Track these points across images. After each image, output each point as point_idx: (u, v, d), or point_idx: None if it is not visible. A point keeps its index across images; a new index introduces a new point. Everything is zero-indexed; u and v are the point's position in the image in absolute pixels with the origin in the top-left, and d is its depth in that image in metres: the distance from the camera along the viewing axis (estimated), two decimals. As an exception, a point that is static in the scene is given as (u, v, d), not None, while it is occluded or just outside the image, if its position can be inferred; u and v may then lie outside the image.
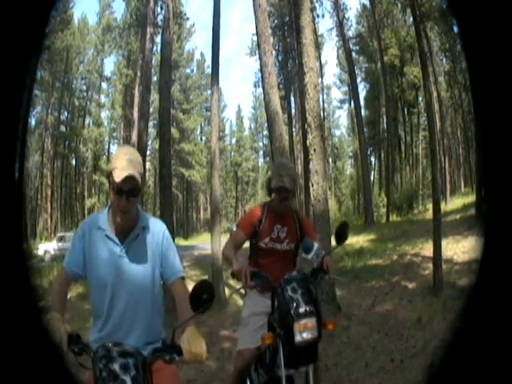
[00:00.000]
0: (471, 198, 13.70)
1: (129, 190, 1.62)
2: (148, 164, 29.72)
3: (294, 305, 1.98)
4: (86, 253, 1.72)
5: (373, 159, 33.95)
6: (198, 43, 79.79)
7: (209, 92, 32.47)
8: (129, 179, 1.59)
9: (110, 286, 1.69)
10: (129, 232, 1.73)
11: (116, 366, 1.18)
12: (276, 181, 2.41)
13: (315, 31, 17.70)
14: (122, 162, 1.61)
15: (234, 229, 2.70)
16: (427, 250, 8.01)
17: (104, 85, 33.59)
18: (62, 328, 1.38)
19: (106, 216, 1.75)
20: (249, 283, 2.14)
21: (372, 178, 29.33)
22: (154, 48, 15.68)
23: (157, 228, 1.79)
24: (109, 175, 1.65)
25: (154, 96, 17.92)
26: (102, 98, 34.18)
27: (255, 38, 9.63)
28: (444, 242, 7.88)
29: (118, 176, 1.58)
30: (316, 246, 2.23)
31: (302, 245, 2.30)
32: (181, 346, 1.35)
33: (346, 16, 20.73)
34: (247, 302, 2.56)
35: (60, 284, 1.71)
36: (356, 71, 22.88)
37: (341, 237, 2.28)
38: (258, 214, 2.51)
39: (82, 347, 1.33)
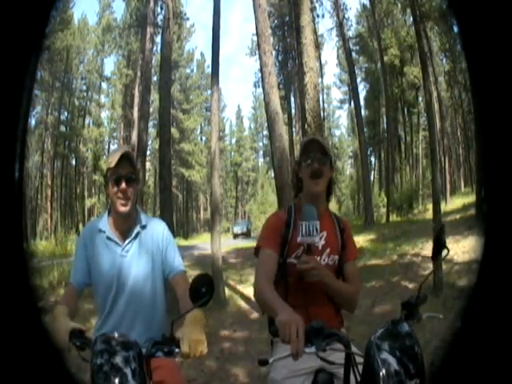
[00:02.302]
0: (471, 198, 13.69)
1: (126, 174, 1.67)
2: (148, 164, 29.72)
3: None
4: (89, 258, 1.75)
5: (373, 159, 34.00)
6: (198, 43, 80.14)
7: (209, 92, 32.47)
8: (125, 157, 1.66)
9: (113, 286, 1.71)
10: (128, 232, 1.75)
11: (115, 358, 1.16)
12: (303, 140, 1.78)
13: (315, 31, 17.70)
14: (116, 153, 1.69)
15: (255, 241, 1.80)
16: (427, 249, 8.01)
17: (104, 85, 33.64)
18: (64, 322, 1.38)
19: (106, 219, 1.78)
20: (303, 350, 1.18)
21: (372, 178, 29.32)
22: (154, 48, 15.66)
23: (156, 226, 1.81)
24: (106, 172, 1.70)
25: (154, 96, 17.92)
26: (102, 98, 34.22)
27: (255, 38, 9.65)
28: (444, 242, 7.87)
29: (114, 159, 1.64)
30: None
31: None
32: (179, 342, 1.30)
33: (346, 16, 20.79)
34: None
35: (67, 298, 1.72)
36: (356, 71, 22.88)
37: (439, 249, 1.47)
38: (282, 216, 1.73)
39: (84, 341, 1.32)
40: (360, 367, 1.24)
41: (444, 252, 1.47)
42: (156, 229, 1.80)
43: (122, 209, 1.68)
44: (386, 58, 22.15)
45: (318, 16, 19.77)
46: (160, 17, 12.61)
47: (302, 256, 1.56)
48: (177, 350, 1.29)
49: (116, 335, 1.24)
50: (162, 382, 1.54)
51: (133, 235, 1.75)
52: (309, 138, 1.75)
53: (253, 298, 1.87)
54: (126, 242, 1.74)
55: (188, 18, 32.54)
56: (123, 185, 1.66)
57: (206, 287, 1.31)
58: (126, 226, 1.75)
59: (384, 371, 1.12)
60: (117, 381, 1.11)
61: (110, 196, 1.71)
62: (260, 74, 7.45)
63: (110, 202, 1.74)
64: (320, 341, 1.21)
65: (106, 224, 1.76)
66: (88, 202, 32.15)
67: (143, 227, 1.78)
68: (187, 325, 1.35)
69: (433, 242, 1.50)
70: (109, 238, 1.74)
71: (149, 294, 1.75)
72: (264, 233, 1.75)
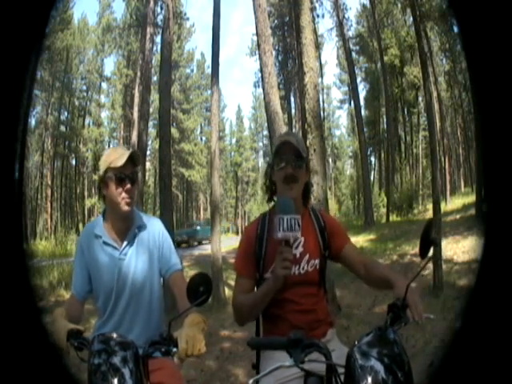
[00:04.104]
0: (471, 198, 13.70)
1: (130, 174, 1.66)
2: (148, 164, 29.72)
3: None
4: (88, 265, 1.73)
5: (373, 159, 33.98)
6: (199, 45, 79.97)
7: (209, 92, 32.46)
8: (131, 159, 1.64)
9: (113, 291, 1.70)
10: (126, 233, 1.74)
11: (112, 358, 1.15)
12: (275, 140, 1.65)
13: (315, 31, 17.70)
14: (117, 152, 1.67)
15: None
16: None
17: (104, 85, 33.57)
18: (62, 323, 1.38)
19: (101, 222, 1.75)
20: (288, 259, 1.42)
21: (372, 178, 29.33)
22: (154, 48, 15.65)
23: (152, 225, 1.80)
24: (104, 175, 1.66)
25: (154, 96, 17.89)
26: (102, 98, 34.16)
27: (255, 38, 9.65)
28: (444, 242, 7.88)
29: (120, 160, 1.62)
30: None
31: None
32: (177, 341, 1.29)
33: (346, 16, 20.80)
34: (269, 362, 1.49)
35: (69, 307, 1.70)
36: (356, 71, 22.89)
37: (427, 245, 1.38)
38: (253, 230, 1.67)
39: (82, 342, 1.32)
40: (342, 376, 1.20)
41: (433, 248, 1.39)
42: (152, 228, 1.79)
43: (127, 208, 1.66)
44: (386, 58, 22.16)
45: (318, 16, 19.75)
46: (160, 17, 12.60)
47: (282, 247, 1.46)
48: (174, 349, 1.28)
49: (113, 335, 1.24)
50: (162, 383, 1.54)
51: (130, 237, 1.73)
52: (282, 140, 1.60)
53: None
54: (124, 244, 1.72)
55: (188, 18, 32.55)
56: (128, 185, 1.65)
57: (203, 286, 1.30)
58: (124, 227, 1.73)
59: (365, 381, 1.05)
60: (113, 380, 1.11)
61: (110, 196, 1.67)
62: (260, 74, 7.45)
63: (108, 203, 1.70)
64: (299, 352, 1.17)
65: (101, 229, 1.74)
66: (88, 202, 32.11)
67: (140, 228, 1.76)
68: (186, 326, 1.35)
69: (420, 238, 1.38)
70: (105, 243, 1.72)
71: (147, 296, 1.75)
72: (238, 253, 1.71)
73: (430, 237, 1.38)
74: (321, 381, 1.37)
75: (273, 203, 1.74)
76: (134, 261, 1.73)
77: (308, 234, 1.65)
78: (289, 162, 1.57)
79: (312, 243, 1.65)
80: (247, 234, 1.71)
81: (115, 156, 1.65)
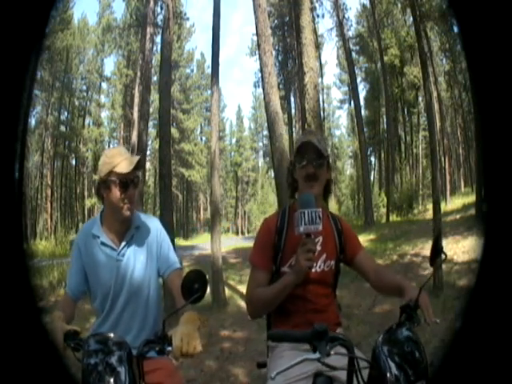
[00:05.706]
0: (471, 198, 13.69)
1: (133, 178, 1.65)
2: (148, 164, 29.71)
3: None
4: (85, 265, 1.72)
5: (373, 159, 33.95)
6: (199, 43, 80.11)
7: (209, 92, 32.45)
8: (138, 164, 1.64)
9: (111, 291, 1.70)
10: (124, 234, 1.73)
11: (105, 358, 1.15)
12: (297, 140, 1.70)
13: (315, 31, 17.70)
14: (122, 156, 1.65)
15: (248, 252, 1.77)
16: (427, 249, 8.01)
17: (104, 85, 33.54)
18: (59, 324, 1.37)
19: (99, 223, 1.74)
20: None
21: (372, 178, 29.31)
22: (154, 48, 15.62)
23: (150, 224, 1.79)
24: (106, 178, 1.63)
25: (154, 96, 17.88)
26: (102, 98, 34.13)
27: (255, 38, 9.64)
28: (444, 242, 7.85)
29: (128, 165, 1.61)
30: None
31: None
32: (171, 339, 1.27)
33: (346, 16, 20.81)
34: (279, 362, 1.50)
35: (63, 305, 1.69)
36: (356, 71, 22.88)
37: (436, 254, 1.48)
38: (274, 222, 1.68)
39: (78, 342, 1.32)
40: (362, 371, 1.22)
41: (441, 257, 1.47)
42: (151, 227, 1.79)
43: (128, 213, 1.65)
44: (386, 58, 22.14)
45: (318, 16, 19.78)
46: (160, 17, 12.58)
47: (304, 239, 1.47)
48: (169, 348, 1.26)
49: (107, 335, 1.23)
50: (161, 383, 1.54)
51: (128, 238, 1.72)
52: (303, 140, 1.64)
53: None
54: (122, 245, 1.71)
55: (188, 18, 32.48)
56: (131, 190, 1.63)
57: (198, 283, 1.29)
58: (123, 229, 1.73)
59: (390, 375, 1.09)
60: (107, 380, 1.11)
61: (112, 200, 1.64)
62: (260, 74, 7.45)
63: (108, 205, 1.69)
64: (324, 345, 1.14)
65: (99, 229, 1.72)
66: (88, 202, 32.08)
67: (138, 228, 1.75)
68: (181, 324, 1.34)
69: (431, 247, 1.49)
70: (103, 244, 1.71)
71: (145, 296, 1.74)
72: (255, 245, 1.70)
73: (439, 246, 1.47)
74: (330, 381, 1.40)
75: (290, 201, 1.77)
76: (132, 262, 1.72)
77: (326, 235, 1.66)
78: (310, 161, 1.60)
79: (330, 244, 1.68)
80: (267, 225, 1.69)
81: (119, 159, 1.62)
